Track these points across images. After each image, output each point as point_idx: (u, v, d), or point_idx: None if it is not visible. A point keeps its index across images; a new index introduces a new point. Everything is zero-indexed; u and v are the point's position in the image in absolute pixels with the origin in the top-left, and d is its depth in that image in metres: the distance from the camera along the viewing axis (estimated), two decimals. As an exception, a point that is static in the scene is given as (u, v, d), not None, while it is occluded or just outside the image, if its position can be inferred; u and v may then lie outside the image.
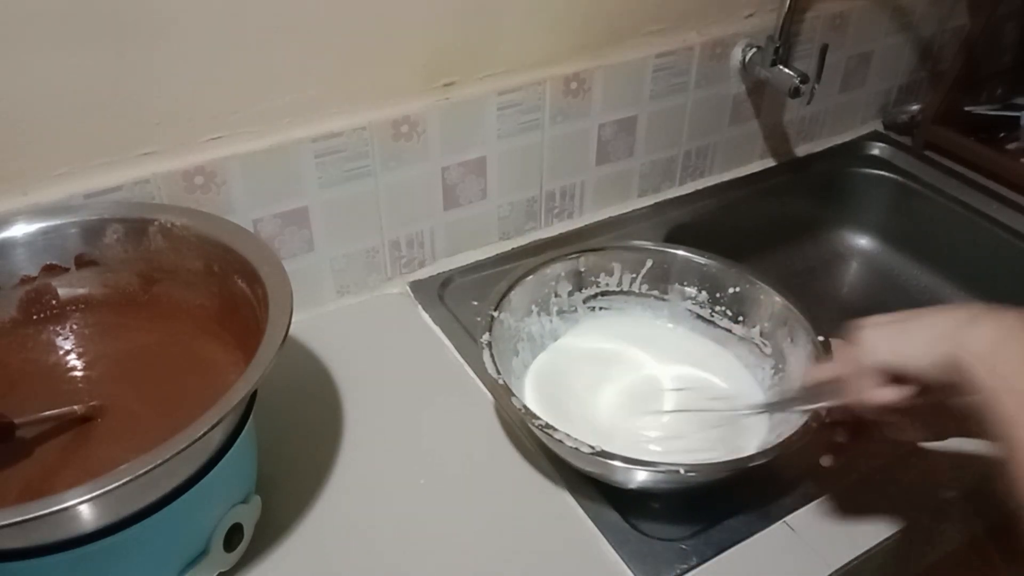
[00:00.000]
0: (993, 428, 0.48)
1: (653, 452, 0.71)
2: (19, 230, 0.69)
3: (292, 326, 0.59)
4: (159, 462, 0.49)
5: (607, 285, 0.85)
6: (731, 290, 0.82)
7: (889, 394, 0.56)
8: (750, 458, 0.65)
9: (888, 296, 1.15)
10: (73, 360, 0.69)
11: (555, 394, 0.78)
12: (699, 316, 0.85)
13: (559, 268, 0.83)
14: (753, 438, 0.72)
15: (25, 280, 0.69)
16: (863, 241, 1.21)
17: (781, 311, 0.78)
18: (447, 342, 0.87)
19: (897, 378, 0.56)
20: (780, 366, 0.78)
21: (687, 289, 0.84)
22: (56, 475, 0.60)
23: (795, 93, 0.99)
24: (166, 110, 0.75)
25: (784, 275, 0.84)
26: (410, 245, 0.94)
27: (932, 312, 0.55)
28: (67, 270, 0.70)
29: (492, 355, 0.71)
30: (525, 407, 0.67)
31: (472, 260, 0.98)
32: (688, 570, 0.65)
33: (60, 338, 0.70)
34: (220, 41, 0.74)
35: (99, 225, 0.70)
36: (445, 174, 0.91)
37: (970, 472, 0.73)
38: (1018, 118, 1.16)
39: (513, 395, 0.68)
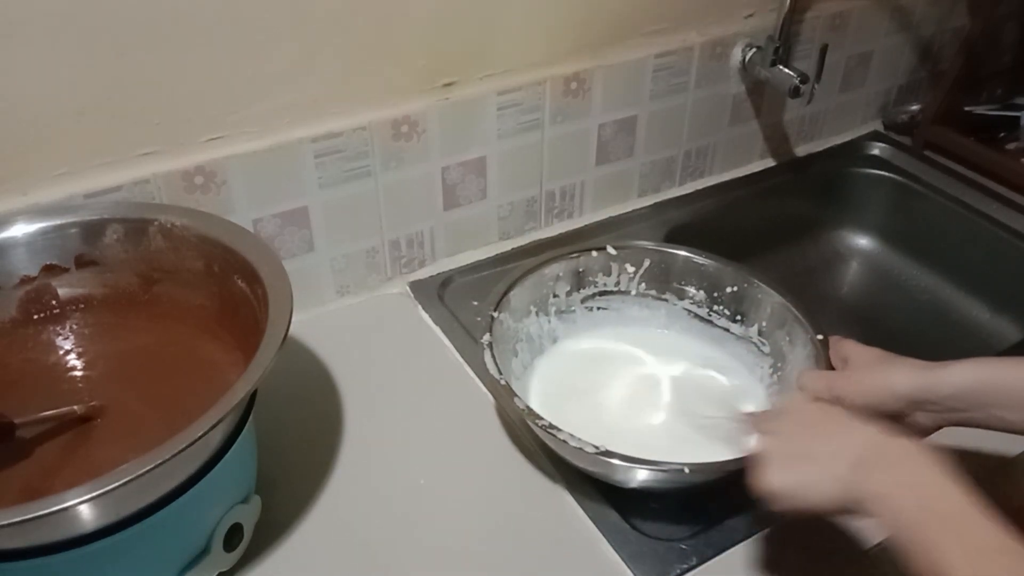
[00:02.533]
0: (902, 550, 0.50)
1: (656, 450, 0.71)
2: (19, 230, 0.69)
3: (292, 326, 0.59)
4: (159, 462, 0.49)
5: (605, 285, 0.85)
6: (729, 289, 0.82)
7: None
8: (751, 458, 0.64)
9: (888, 296, 1.15)
10: (73, 360, 0.69)
11: (557, 395, 0.78)
12: (697, 315, 0.85)
13: (557, 268, 0.83)
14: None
15: (25, 280, 0.69)
16: (863, 241, 1.21)
17: (780, 310, 0.78)
18: (447, 342, 0.87)
19: None
20: (779, 365, 0.78)
21: (685, 288, 0.84)
22: (56, 475, 0.60)
23: (795, 93, 0.99)
24: (166, 110, 0.75)
25: (784, 275, 0.84)
26: (410, 245, 0.94)
27: (827, 446, 0.56)
28: (67, 270, 0.70)
29: (493, 356, 0.71)
30: (527, 407, 0.67)
31: (472, 260, 0.98)
32: (688, 570, 0.65)
33: (60, 338, 0.70)
34: (220, 41, 0.74)
35: (99, 225, 0.70)
36: (445, 174, 0.91)
37: (971, 470, 0.73)
38: (1018, 118, 1.16)
39: (516, 395, 0.68)
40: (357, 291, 0.93)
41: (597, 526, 0.68)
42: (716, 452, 0.65)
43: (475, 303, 0.88)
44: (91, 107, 0.72)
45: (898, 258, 1.18)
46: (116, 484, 0.48)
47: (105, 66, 0.71)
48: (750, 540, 0.67)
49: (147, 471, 0.49)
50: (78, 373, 0.68)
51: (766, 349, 0.80)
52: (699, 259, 0.83)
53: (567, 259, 0.83)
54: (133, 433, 0.62)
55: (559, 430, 0.66)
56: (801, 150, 1.20)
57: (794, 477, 0.57)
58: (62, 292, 0.71)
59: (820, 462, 0.56)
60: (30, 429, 0.61)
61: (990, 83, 1.24)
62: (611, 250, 0.84)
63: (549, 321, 0.83)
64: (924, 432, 0.65)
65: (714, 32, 1.01)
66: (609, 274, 0.85)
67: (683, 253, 0.84)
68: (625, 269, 0.84)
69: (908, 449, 0.53)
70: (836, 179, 1.19)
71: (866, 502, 0.52)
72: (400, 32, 0.82)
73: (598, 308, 0.86)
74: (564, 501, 0.71)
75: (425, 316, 0.90)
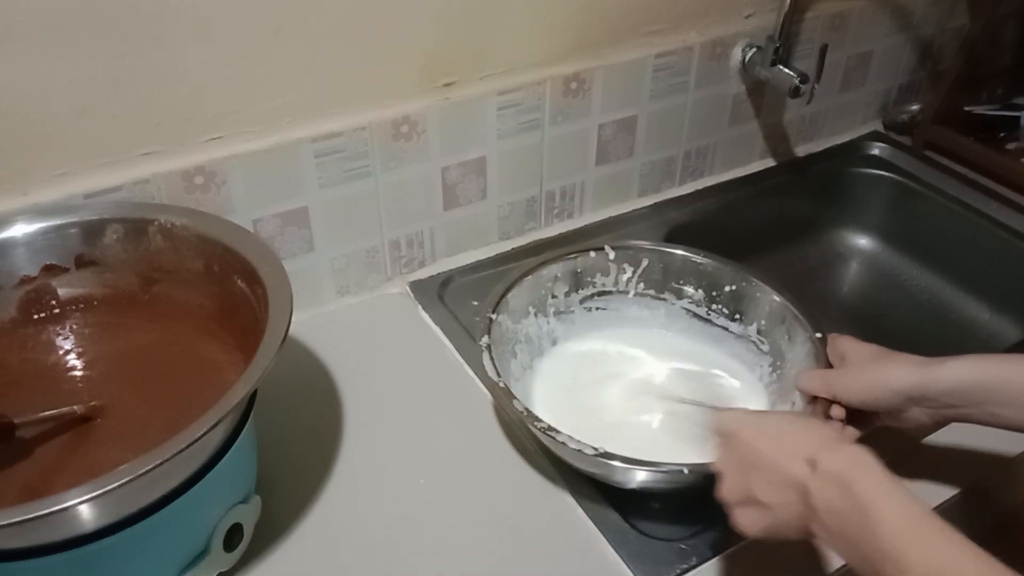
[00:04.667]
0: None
1: (656, 450, 0.71)
2: (19, 230, 0.69)
3: (292, 326, 0.59)
4: (159, 462, 0.49)
5: (603, 285, 0.85)
6: (728, 288, 0.82)
7: None
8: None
9: (888, 296, 1.15)
10: (73, 360, 0.69)
11: (557, 396, 0.78)
12: (695, 315, 0.85)
13: (556, 269, 0.83)
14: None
15: (25, 280, 0.69)
16: (863, 241, 1.21)
17: (778, 309, 0.78)
18: (447, 342, 0.87)
19: None
20: (778, 363, 0.78)
21: (684, 288, 0.84)
22: (56, 475, 0.60)
23: (795, 93, 0.99)
24: (166, 110, 0.75)
25: (784, 275, 0.84)
26: (410, 245, 0.94)
27: (772, 489, 0.54)
28: (67, 270, 0.70)
29: (492, 358, 0.71)
30: (526, 409, 0.67)
31: (472, 260, 0.98)
32: (688, 570, 0.65)
33: (60, 338, 0.70)
34: (220, 41, 0.74)
35: (99, 225, 0.70)
36: (445, 174, 0.91)
37: (972, 469, 0.73)
38: (1018, 118, 1.16)
39: (515, 397, 0.68)
40: (357, 291, 0.93)
41: (597, 526, 0.68)
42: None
43: (475, 303, 0.88)
44: (91, 107, 0.72)
45: (898, 258, 1.18)
46: (116, 484, 0.48)
47: (105, 66, 0.71)
48: (750, 540, 0.67)
49: (147, 471, 0.49)
50: (78, 373, 0.68)
51: (765, 348, 0.80)
52: (696, 258, 0.83)
53: (564, 260, 0.83)
54: (133, 433, 0.62)
55: (558, 432, 0.66)
56: (801, 150, 1.20)
57: (759, 523, 0.55)
58: (62, 292, 0.71)
59: (774, 508, 0.54)
60: (30, 429, 0.61)
61: (990, 83, 1.24)
62: (609, 251, 0.84)
63: (548, 322, 0.83)
64: (923, 428, 0.65)
65: (714, 32, 1.01)
66: (607, 274, 0.85)
67: (680, 252, 0.84)
68: (622, 269, 0.84)
69: (845, 469, 0.50)
70: (836, 179, 1.19)
71: (821, 539, 0.52)
72: (400, 32, 0.82)
73: (597, 308, 0.86)
74: (564, 501, 0.71)
75: (425, 316, 0.90)
